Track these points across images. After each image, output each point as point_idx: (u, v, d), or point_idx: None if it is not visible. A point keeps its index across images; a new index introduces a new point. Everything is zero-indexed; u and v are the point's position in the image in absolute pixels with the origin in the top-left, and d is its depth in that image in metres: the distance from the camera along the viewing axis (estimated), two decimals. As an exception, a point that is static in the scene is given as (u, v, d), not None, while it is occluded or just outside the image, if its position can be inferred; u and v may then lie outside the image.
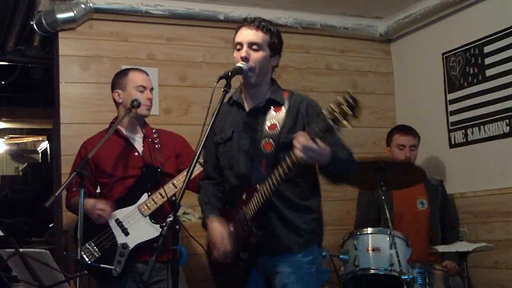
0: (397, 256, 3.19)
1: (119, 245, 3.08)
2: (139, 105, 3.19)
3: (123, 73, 3.33)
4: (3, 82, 5.94)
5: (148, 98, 3.25)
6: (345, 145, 2.51)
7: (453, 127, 4.33)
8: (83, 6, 4.00)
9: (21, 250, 2.31)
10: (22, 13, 3.99)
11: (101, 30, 4.15)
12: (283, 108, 2.60)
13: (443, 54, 4.44)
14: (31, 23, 4.04)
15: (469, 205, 4.15)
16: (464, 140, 4.23)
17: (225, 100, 2.52)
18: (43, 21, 3.97)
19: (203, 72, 4.35)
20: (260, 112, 2.62)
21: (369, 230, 3.40)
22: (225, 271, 2.64)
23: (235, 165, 2.62)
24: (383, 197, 3.39)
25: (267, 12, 4.21)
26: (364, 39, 4.88)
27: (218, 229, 2.57)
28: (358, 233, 3.38)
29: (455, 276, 3.66)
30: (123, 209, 3.13)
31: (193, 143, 3.09)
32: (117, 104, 3.29)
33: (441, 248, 3.65)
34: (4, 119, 8.88)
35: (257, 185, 2.47)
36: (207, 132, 2.31)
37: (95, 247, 3.08)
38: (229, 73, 2.44)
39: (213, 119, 2.38)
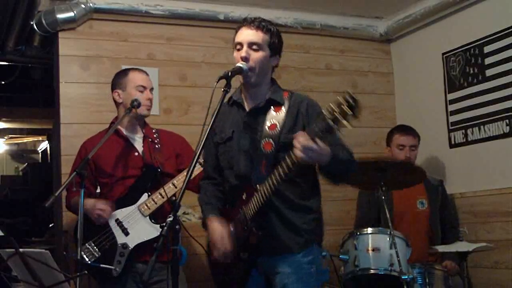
0: (397, 256, 3.19)
1: (119, 245, 3.08)
2: (139, 105, 3.19)
3: (123, 73, 3.33)
4: (3, 82, 5.94)
5: (148, 98, 3.25)
6: (345, 145, 2.51)
7: (453, 127, 4.33)
8: (83, 6, 4.00)
9: (21, 250, 2.31)
10: (22, 13, 3.99)
11: (101, 30, 4.15)
12: (283, 108, 2.60)
13: (443, 54, 4.44)
14: (31, 23, 4.04)
15: (469, 205, 4.15)
16: (464, 140, 4.23)
17: (225, 100, 2.52)
18: (43, 21, 3.97)
19: (203, 72, 4.35)
20: (260, 112, 2.62)
21: (369, 230, 3.39)
22: (225, 271, 2.64)
23: (235, 165, 2.62)
24: (383, 197, 3.39)
25: (267, 12, 4.21)
26: (364, 39, 4.88)
27: (218, 229, 2.57)
28: (358, 233, 3.38)
29: (455, 276, 3.66)
30: (123, 209, 3.13)
31: (193, 143, 3.09)
32: (117, 104, 3.29)
33: (441, 248, 3.65)
34: (4, 119, 8.88)
35: (257, 185, 2.47)
36: (207, 132, 2.31)
37: (95, 247, 3.08)
38: (229, 73, 2.44)
39: (213, 119, 2.38)
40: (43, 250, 2.38)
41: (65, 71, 4.04)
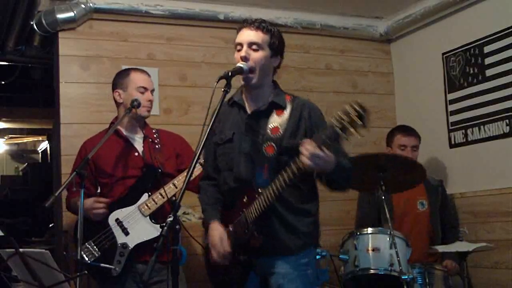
0: (397, 256, 3.19)
1: (119, 245, 3.08)
2: (139, 105, 3.18)
3: (125, 73, 3.31)
4: (3, 82, 5.94)
5: (148, 99, 3.24)
6: (346, 153, 2.54)
7: (453, 127, 4.33)
8: (83, 6, 4.00)
9: (21, 250, 2.30)
10: (22, 13, 3.99)
11: (101, 30, 4.15)
12: (285, 111, 2.60)
13: (443, 54, 4.44)
14: (31, 23, 4.04)
15: (469, 205, 4.15)
16: (464, 140, 4.23)
17: (225, 100, 2.52)
18: (43, 21, 3.97)
19: (203, 72, 4.35)
20: (262, 115, 2.62)
21: (369, 230, 3.40)
22: (225, 271, 2.64)
23: (235, 167, 2.61)
24: (383, 197, 3.39)
25: (267, 12, 4.22)
26: (364, 39, 4.88)
27: (218, 230, 2.57)
28: (358, 233, 3.38)
29: (455, 276, 3.66)
30: (123, 209, 3.13)
31: (193, 143, 3.09)
32: (117, 104, 3.29)
33: (441, 248, 3.65)
34: (4, 119, 8.88)
35: (259, 189, 2.48)
36: (207, 132, 2.31)
37: (94, 247, 3.08)
38: (229, 73, 2.43)
39: (213, 119, 2.38)
40: (43, 250, 2.38)
41: (65, 71, 4.04)
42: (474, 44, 4.17)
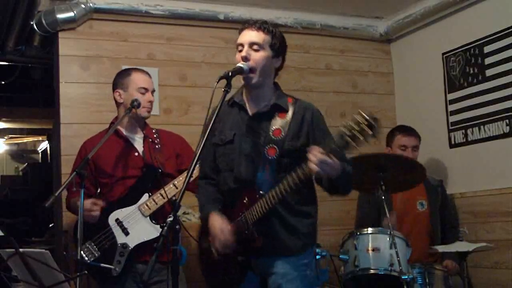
0: (397, 256, 3.19)
1: (119, 245, 3.08)
2: (139, 105, 3.18)
3: (126, 73, 3.31)
4: (3, 82, 5.94)
5: (149, 100, 3.24)
6: (348, 160, 2.55)
7: (453, 127, 4.33)
8: (83, 6, 3.99)
9: (21, 250, 2.30)
10: (22, 13, 3.99)
11: (101, 30, 4.15)
12: (288, 114, 2.60)
13: (443, 54, 4.44)
14: (31, 23, 4.04)
15: (469, 205, 4.15)
16: (464, 140, 4.23)
17: (225, 100, 2.52)
18: (43, 21, 3.97)
19: (203, 72, 4.35)
20: (264, 117, 2.62)
21: (369, 230, 3.39)
22: (223, 271, 2.64)
23: (235, 168, 2.61)
24: (383, 197, 3.39)
25: (267, 12, 4.22)
26: (364, 39, 4.88)
27: (219, 221, 2.55)
28: (358, 233, 3.38)
29: (455, 276, 3.66)
30: (123, 209, 3.13)
31: (193, 143, 3.09)
32: (117, 104, 3.29)
33: (441, 248, 3.65)
34: (4, 119, 8.88)
35: (261, 191, 2.48)
36: (207, 132, 2.31)
37: (94, 247, 3.08)
38: (230, 73, 2.43)
39: (213, 119, 2.37)
40: (43, 250, 2.38)
41: (65, 71, 4.04)
42: (474, 44, 4.17)
